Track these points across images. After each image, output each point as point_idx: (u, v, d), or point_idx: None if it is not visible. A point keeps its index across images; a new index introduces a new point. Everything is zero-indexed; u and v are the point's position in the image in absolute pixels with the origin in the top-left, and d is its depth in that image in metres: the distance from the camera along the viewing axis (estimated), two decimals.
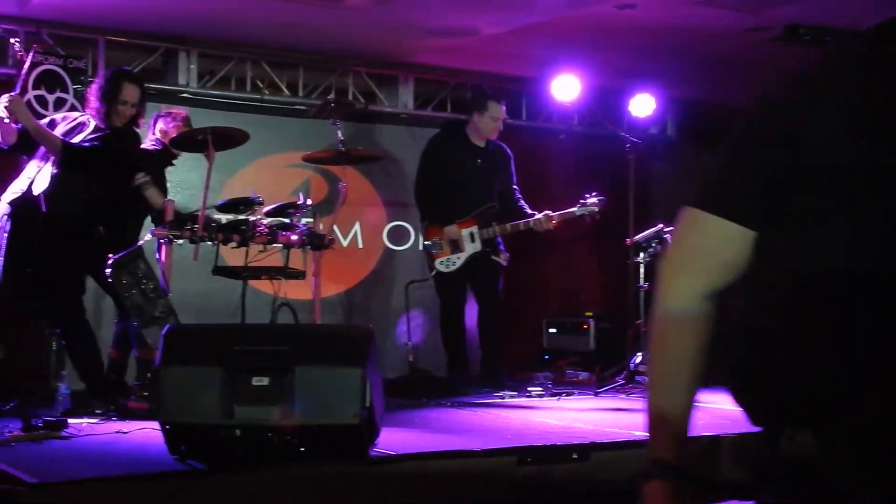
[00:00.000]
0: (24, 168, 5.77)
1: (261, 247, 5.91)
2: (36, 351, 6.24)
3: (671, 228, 1.72)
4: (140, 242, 5.57)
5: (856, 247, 1.46)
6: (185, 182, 6.51)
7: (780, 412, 1.55)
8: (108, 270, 5.26)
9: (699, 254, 1.67)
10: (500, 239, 7.02)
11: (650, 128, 9.05)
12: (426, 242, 7.07)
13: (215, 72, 7.64)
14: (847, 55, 1.59)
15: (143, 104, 5.88)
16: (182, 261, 5.86)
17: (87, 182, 5.67)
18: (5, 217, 5.60)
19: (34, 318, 6.11)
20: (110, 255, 5.28)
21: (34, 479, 3.56)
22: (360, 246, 8.13)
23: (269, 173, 7.57)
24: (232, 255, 6.41)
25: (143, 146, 6.02)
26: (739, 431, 4.49)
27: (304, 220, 6.18)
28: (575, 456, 4.27)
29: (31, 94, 6.53)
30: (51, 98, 6.69)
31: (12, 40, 6.35)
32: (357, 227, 8.09)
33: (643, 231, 6.97)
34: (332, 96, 7.40)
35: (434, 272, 6.99)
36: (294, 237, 5.91)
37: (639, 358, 7.04)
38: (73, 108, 6.63)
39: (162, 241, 5.62)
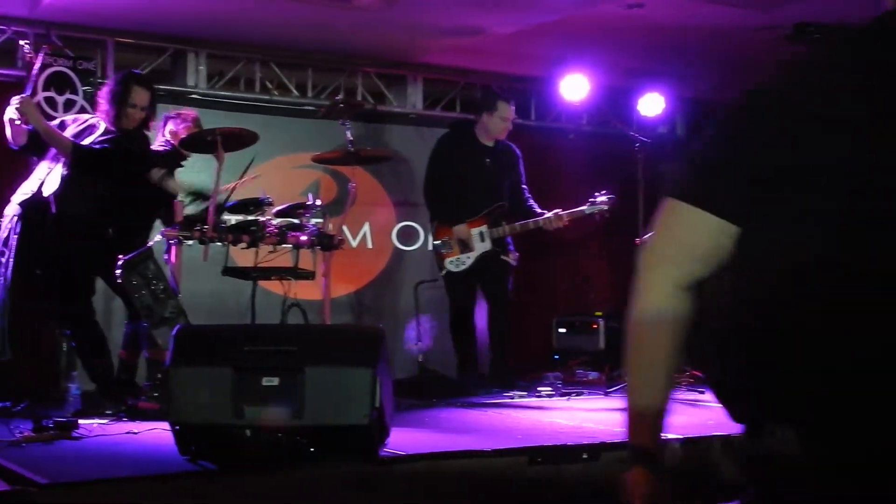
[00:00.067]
0: (34, 169, 5.78)
1: (270, 247, 5.91)
2: (46, 352, 6.26)
3: None
4: (150, 243, 5.58)
5: (846, 244, 1.45)
6: (194, 183, 6.50)
7: (762, 408, 1.55)
8: (118, 271, 5.27)
9: (679, 245, 1.68)
10: (509, 239, 7.01)
11: (659, 127, 9.04)
12: (436, 242, 7.06)
13: (224, 73, 7.65)
14: (838, 48, 1.58)
15: (153, 107, 5.88)
16: (192, 261, 5.87)
17: (96, 184, 5.68)
18: (15, 218, 5.61)
19: (44, 320, 6.13)
20: (120, 256, 5.29)
21: (45, 479, 3.57)
22: (370, 246, 8.13)
23: (278, 174, 7.57)
24: (242, 256, 6.42)
25: (152, 147, 6.02)
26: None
27: (313, 221, 6.18)
28: (585, 456, 4.26)
29: (40, 95, 6.55)
30: (60, 100, 6.71)
31: (22, 42, 6.37)
32: (366, 227, 8.10)
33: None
34: (341, 97, 7.40)
35: (444, 272, 6.98)
36: (304, 238, 5.92)
37: None
38: (82, 110, 6.64)
39: (172, 241, 5.63)
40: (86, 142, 5.67)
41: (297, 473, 3.87)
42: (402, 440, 4.37)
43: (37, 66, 5.87)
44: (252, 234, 5.72)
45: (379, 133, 8.21)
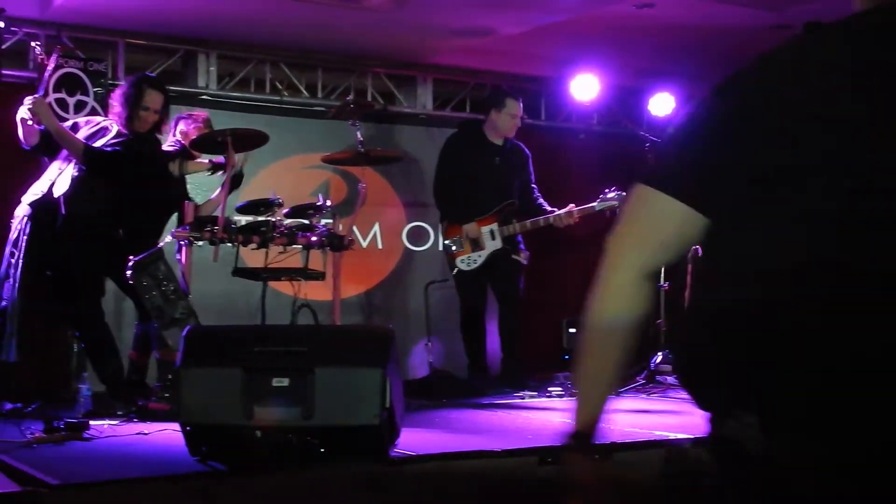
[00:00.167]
0: (45, 170, 5.80)
1: (280, 248, 5.92)
2: (57, 353, 6.27)
3: None
4: (160, 244, 5.59)
5: (846, 244, 1.45)
6: (205, 184, 6.51)
7: (727, 395, 1.55)
8: (128, 272, 5.28)
9: (643, 229, 1.68)
10: (520, 238, 7.01)
11: (670, 127, 9.01)
12: (446, 242, 7.06)
13: (235, 73, 7.66)
14: (838, 47, 1.57)
15: (166, 110, 5.89)
16: (202, 262, 5.88)
17: (106, 185, 5.69)
18: (25, 218, 5.62)
19: (55, 321, 6.14)
20: (131, 257, 5.29)
21: (56, 480, 3.58)
22: (380, 247, 8.13)
23: (288, 175, 7.58)
24: (252, 257, 6.42)
25: (163, 148, 6.03)
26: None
27: (323, 221, 6.19)
28: (596, 456, 4.25)
29: (51, 97, 6.56)
30: (71, 101, 6.72)
31: (33, 44, 6.38)
32: (376, 227, 8.09)
33: None
34: (351, 97, 7.40)
35: (455, 271, 6.97)
36: (314, 238, 5.92)
37: (659, 357, 7.02)
38: (93, 111, 6.65)
39: (182, 242, 5.64)
40: (98, 144, 5.68)
41: (308, 474, 3.88)
42: (413, 440, 4.37)
43: (50, 67, 5.88)
44: (262, 235, 5.73)
45: (389, 134, 8.21)
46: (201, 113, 6.41)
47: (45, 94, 5.95)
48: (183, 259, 5.65)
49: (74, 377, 5.89)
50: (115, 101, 5.84)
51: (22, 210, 5.67)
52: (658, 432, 4.80)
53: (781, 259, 1.48)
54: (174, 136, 6.17)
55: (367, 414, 3.91)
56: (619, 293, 1.70)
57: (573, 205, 6.88)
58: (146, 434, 4.72)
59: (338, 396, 3.93)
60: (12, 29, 6.61)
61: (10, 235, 5.65)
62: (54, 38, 6.64)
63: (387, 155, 6.88)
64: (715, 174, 1.57)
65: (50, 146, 5.69)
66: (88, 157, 5.58)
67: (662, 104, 8.07)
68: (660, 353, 7.01)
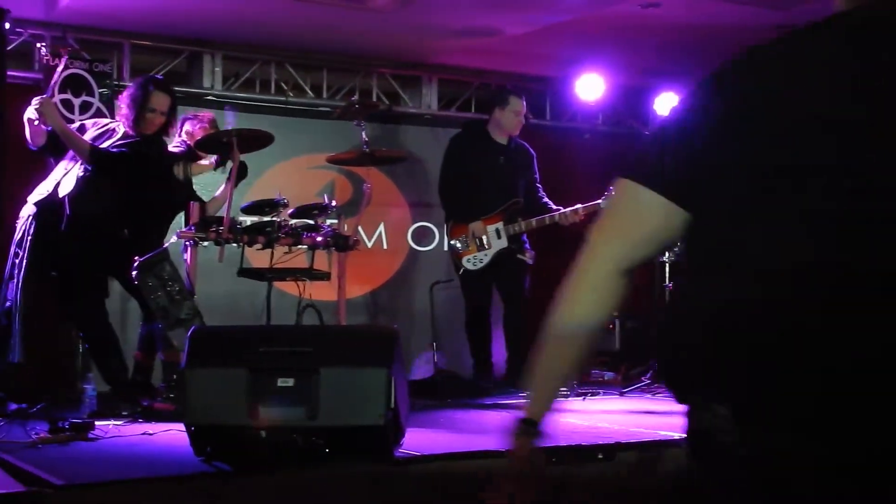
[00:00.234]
0: (51, 170, 5.81)
1: (286, 248, 5.92)
2: (62, 353, 6.28)
3: None
4: (166, 244, 5.59)
5: (846, 244, 1.44)
6: (210, 182, 6.52)
7: (705, 387, 1.55)
8: (133, 273, 5.28)
9: (623, 222, 1.69)
10: (525, 237, 7.00)
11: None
12: (451, 241, 7.05)
13: (240, 74, 7.67)
14: (838, 46, 1.57)
15: (173, 112, 5.89)
16: (207, 263, 5.89)
17: (112, 185, 5.70)
18: (30, 218, 5.63)
19: (59, 321, 6.14)
20: (136, 258, 5.30)
21: (60, 480, 3.58)
22: (385, 247, 8.13)
23: (293, 175, 7.58)
24: (257, 257, 6.43)
25: (169, 149, 6.04)
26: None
27: (328, 222, 6.20)
28: (600, 456, 4.25)
29: (57, 97, 6.57)
30: (76, 102, 6.73)
31: (38, 45, 6.39)
32: (381, 228, 8.10)
33: None
34: (356, 98, 7.41)
35: (461, 271, 6.96)
36: (319, 238, 5.92)
37: None
38: (98, 112, 6.67)
39: (187, 242, 5.65)
40: (104, 145, 5.69)
41: (312, 474, 3.87)
42: (418, 440, 4.37)
43: (59, 68, 5.90)
44: (267, 236, 5.73)
45: (394, 134, 8.22)
46: (207, 113, 6.43)
47: (52, 95, 5.96)
48: (188, 259, 5.66)
49: (79, 377, 5.90)
50: (123, 103, 5.84)
51: (27, 210, 5.67)
52: (663, 432, 4.80)
53: (781, 259, 1.48)
54: (179, 136, 6.18)
55: (371, 414, 3.91)
56: (590, 292, 1.72)
57: (579, 204, 6.87)
58: (151, 434, 4.72)
59: (343, 397, 3.93)
60: (18, 30, 6.61)
61: (15, 236, 5.65)
62: (60, 40, 6.65)
63: (392, 155, 6.88)
64: (714, 174, 1.56)
65: (57, 147, 5.70)
66: (94, 158, 5.59)
67: (668, 104, 8.06)
68: None
